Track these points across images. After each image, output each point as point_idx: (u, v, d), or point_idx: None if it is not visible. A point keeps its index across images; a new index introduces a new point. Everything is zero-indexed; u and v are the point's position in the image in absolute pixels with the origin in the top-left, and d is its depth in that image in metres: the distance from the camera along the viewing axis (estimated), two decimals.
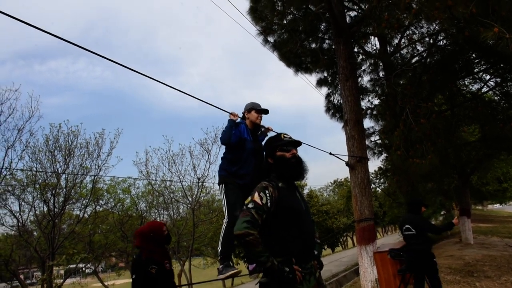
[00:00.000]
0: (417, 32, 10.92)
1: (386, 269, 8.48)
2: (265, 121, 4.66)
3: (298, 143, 3.00)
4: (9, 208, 15.50)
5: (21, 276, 18.85)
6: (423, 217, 7.32)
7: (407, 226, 7.06)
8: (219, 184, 4.35)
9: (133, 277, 4.01)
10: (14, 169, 13.97)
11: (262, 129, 4.70)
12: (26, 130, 13.65)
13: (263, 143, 4.62)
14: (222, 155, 4.47)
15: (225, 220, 4.13)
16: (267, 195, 2.66)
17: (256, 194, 2.66)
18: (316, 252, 2.88)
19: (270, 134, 4.58)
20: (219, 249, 4.15)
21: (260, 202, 2.61)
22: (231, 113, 4.35)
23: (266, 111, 4.46)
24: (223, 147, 4.45)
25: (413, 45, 11.46)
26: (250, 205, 2.61)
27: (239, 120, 4.49)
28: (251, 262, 4.16)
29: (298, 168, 2.90)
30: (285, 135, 2.99)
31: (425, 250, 6.89)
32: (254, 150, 4.26)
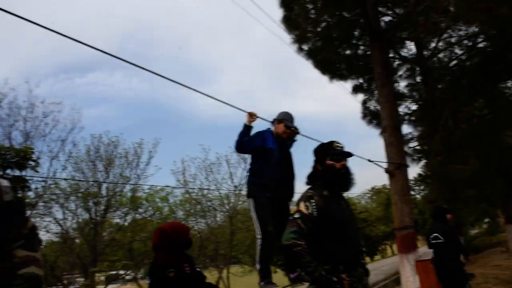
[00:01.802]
0: (455, 35, 10.71)
1: (429, 278, 8.26)
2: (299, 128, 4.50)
3: (350, 155, 2.98)
4: (53, 216, 16.10)
5: (65, 282, 19.49)
6: (450, 226, 7.06)
7: (435, 234, 6.86)
8: (247, 197, 4.27)
9: (149, 281, 3.71)
10: (58, 178, 14.51)
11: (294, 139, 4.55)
12: (69, 141, 14.20)
13: (291, 147, 4.56)
14: (249, 166, 4.37)
15: (259, 237, 4.04)
16: (313, 204, 2.67)
17: (302, 204, 2.68)
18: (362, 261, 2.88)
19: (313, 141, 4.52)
20: (258, 266, 4.09)
21: (306, 212, 2.63)
22: (249, 113, 4.15)
23: (295, 130, 4.31)
24: (235, 149, 4.28)
25: (451, 49, 11.23)
26: (296, 215, 2.64)
27: (265, 128, 4.33)
28: (293, 271, 4.15)
29: (347, 180, 2.89)
30: (337, 144, 2.95)
31: (454, 259, 6.68)
32: (279, 159, 4.12)
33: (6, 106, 12.99)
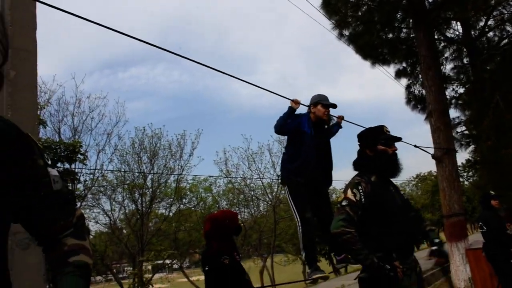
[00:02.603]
0: (505, 12, 10.17)
1: (481, 267, 7.98)
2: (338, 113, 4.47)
3: (400, 139, 2.92)
4: (101, 207, 16.68)
5: (114, 271, 20.25)
6: (497, 213, 6.66)
7: (480, 223, 6.62)
8: (282, 184, 4.27)
9: (206, 268, 3.86)
10: (105, 170, 14.98)
11: (334, 120, 4.52)
12: (114, 134, 14.59)
13: (336, 134, 4.49)
14: (283, 150, 4.34)
15: (298, 224, 4.00)
16: (360, 191, 2.61)
17: (349, 191, 2.62)
18: (436, 240, 2.86)
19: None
20: (303, 254, 4.06)
21: (354, 199, 2.57)
22: (292, 100, 4.07)
23: (334, 106, 4.21)
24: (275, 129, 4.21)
25: (502, 27, 10.67)
26: (344, 203, 2.58)
27: (304, 111, 4.27)
28: (339, 254, 4.09)
29: (397, 166, 2.83)
30: (387, 129, 2.89)
31: (495, 249, 6.36)
32: (314, 145, 4.03)
33: (55, 102, 13.47)
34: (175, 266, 23.16)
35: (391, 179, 2.91)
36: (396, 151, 2.84)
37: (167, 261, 19.71)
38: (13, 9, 2.32)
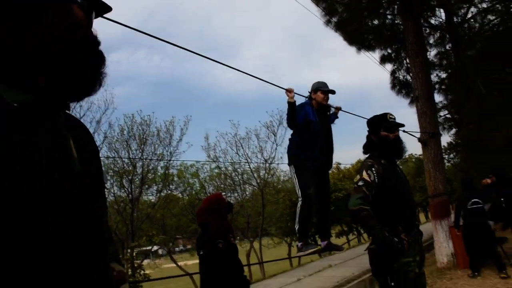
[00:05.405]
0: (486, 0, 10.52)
1: (462, 243, 8.43)
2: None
3: (402, 125, 3.22)
4: None
5: None
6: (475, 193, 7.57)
7: (474, 200, 7.29)
8: (289, 165, 4.45)
9: (201, 253, 3.97)
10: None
11: (332, 110, 4.77)
12: (103, 122, 14.54)
13: (333, 122, 4.78)
14: (290, 137, 4.55)
15: (300, 199, 4.26)
16: (374, 172, 2.91)
17: (364, 172, 2.92)
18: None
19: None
20: (297, 227, 4.28)
21: (369, 179, 2.88)
22: (286, 90, 4.22)
23: (332, 92, 4.44)
24: (289, 128, 4.48)
25: (483, 14, 11.04)
26: (360, 183, 2.88)
27: (304, 100, 4.50)
28: (323, 239, 4.44)
29: (399, 149, 3.14)
30: (391, 116, 3.18)
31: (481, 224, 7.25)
32: (321, 132, 4.30)
33: None
34: (160, 251, 23.35)
35: (395, 161, 3.21)
36: (398, 136, 3.14)
37: (155, 247, 19.86)
38: None
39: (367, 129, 3.25)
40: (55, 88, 0.90)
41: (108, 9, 1.03)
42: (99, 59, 0.96)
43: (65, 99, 0.96)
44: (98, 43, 0.97)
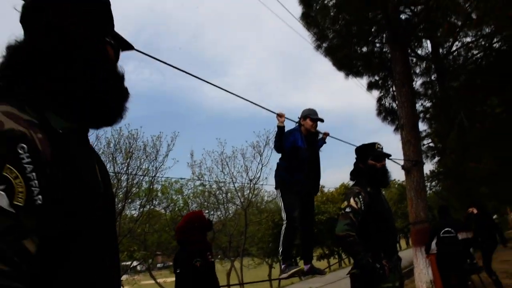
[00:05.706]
0: (470, 34, 10.86)
1: None
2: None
3: (389, 156, 3.36)
4: None
5: None
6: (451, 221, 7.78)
7: (447, 229, 7.49)
8: (276, 188, 4.54)
9: (178, 271, 4.00)
10: None
11: (320, 135, 4.85)
12: (91, 133, 14.42)
13: (320, 148, 4.90)
14: (278, 161, 4.63)
15: (284, 222, 4.32)
16: (361, 199, 3.02)
17: (352, 199, 3.03)
18: None
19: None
20: (280, 249, 4.34)
21: (356, 207, 2.99)
22: (277, 114, 4.33)
23: (321, 120, 4.54)
24: (275, 150, 4.58)
25: (467, 48, 11.39)
26: (347, 209, 2.99)
27: (294, 126, 4.60)
28: (306, 262, 4.51)
29: (385, 178, 3.27)
30: (379, 146, 3.31)
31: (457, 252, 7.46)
32: (309, 158, 4.40)
33: None
34: (139, 267, 23.01)
35: (380, 189, 3.32)
36: (384, 165, 3.25)
37: (135, 263, 19.60)
38: None
39: (355, 156, 3.36)
40: (92, 118, 1.01)
41: (131, 47, 1.13)
42: (126, 94, 1.06)
43: (96, 128, 1.09)
44: (124, 79, 1.07)
